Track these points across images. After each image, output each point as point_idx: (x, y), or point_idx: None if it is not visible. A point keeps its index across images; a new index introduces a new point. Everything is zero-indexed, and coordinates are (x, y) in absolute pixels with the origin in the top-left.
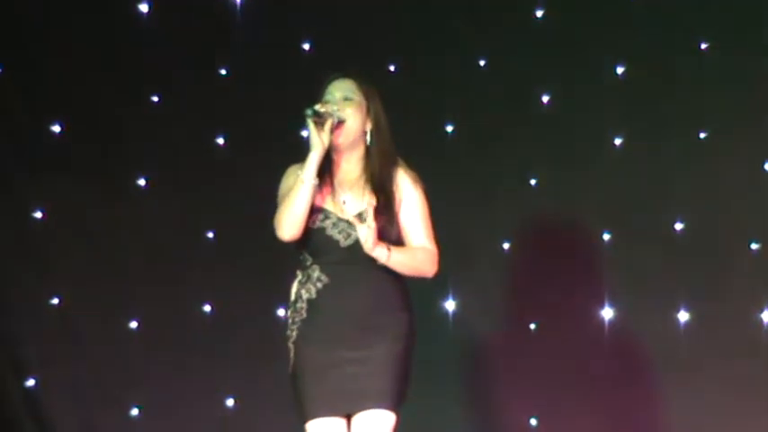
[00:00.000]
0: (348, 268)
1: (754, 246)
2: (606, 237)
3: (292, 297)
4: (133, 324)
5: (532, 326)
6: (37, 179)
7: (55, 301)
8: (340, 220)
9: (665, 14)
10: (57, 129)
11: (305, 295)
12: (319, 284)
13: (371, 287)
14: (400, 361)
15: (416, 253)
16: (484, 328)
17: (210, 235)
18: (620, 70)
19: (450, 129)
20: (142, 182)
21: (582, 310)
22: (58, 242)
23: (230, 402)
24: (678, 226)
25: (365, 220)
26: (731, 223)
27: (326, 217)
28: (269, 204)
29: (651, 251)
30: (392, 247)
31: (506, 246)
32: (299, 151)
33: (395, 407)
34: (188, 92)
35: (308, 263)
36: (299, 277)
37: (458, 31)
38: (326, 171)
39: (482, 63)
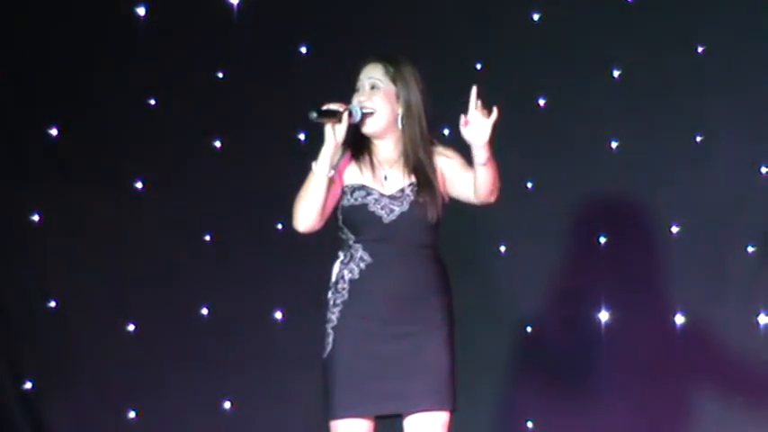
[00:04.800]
0: (390, 247)
1: (750, 249)
2: (603, 240)
3: (333, 278)
4: (130, 327)
5: (528, 329)
6: (34, 182)
7: (52, 304)
8: (382, 196)
9: (662, 17)
10: (53, 132)
11: (347, 275)
12: (362, 264)
13: (414, 266)
14: (449, 352)
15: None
16: (480, 331)
17: (207, 238)
18: (616, 73)
19: (446, 132)
20: (139, 185)
21: (578, 314)
22: (54, 245)
23: (227, 405)
24: (675, 229)
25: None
26: (728, 226)
27: (368, 193)
28: (266, 207)
29: (648, 254)
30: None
31: (503, 249)
32: (296, 154)
33: (453, 405)
34: (185, 94)
35: (351, 242)
36: (341, 257)
37: (454, 35)
38: (366, 150)
39: (478, 66)
